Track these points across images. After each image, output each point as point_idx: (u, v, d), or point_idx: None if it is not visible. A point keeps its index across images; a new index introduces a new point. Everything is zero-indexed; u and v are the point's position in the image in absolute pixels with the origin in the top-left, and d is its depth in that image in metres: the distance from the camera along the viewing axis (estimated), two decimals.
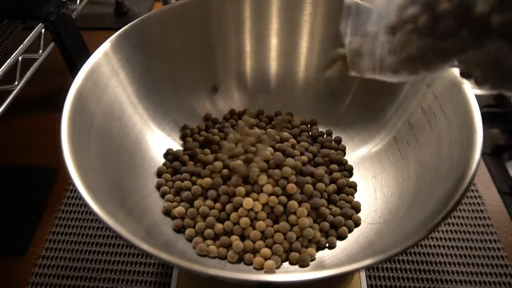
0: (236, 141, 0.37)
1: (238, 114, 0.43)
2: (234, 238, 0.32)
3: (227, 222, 0.32)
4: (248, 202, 0.32)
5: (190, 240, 0.32)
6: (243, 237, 0.32)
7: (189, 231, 0.32)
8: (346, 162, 0.38)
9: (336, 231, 0.33)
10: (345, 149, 0.40)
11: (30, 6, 0.43)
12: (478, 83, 0.20)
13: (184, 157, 0.38)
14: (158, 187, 0.36)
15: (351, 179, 0.37)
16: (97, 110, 0.32)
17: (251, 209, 0.32)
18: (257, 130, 0.38)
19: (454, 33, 0.18)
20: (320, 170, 0.35)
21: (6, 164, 0.47)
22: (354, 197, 0.36)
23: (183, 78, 0.40)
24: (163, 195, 0.35)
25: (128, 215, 0.28)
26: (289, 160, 0.34)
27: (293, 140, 0.38)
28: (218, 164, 0.35)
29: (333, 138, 0.41)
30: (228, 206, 0.33)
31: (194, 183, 0.35)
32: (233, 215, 0.32)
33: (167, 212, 0.34)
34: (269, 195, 0.33)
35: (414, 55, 0.20)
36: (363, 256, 0.22)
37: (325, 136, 0.41)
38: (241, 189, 0.33)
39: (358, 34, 0.23)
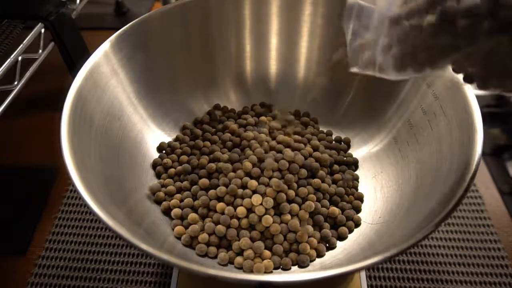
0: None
1: (238, 114, 0.43)
2: (234, 239, 0.32)
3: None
4: (241, 211, 0.32)
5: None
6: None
7: (191, 229, 0.32)
8: (347, 162, 0.38)
9: (336, 231, 0.33)
10: (346, 149, 0.39)
11: (30, 6, 0.43)
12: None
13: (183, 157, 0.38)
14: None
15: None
16: (97, 110, 0.31)
17: (253, 212, 0.32)
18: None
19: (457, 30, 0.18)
20: (321, 171, 0.35)
21: (6, 164, 0.47)
22: (354, 198, 0.36)
23: (183, 78, 0.40)
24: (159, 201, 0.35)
25: (128, 215, 0.28)
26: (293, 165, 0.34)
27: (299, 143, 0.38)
28: (211, 165, 0.35)
29: (333, 138, 0.41)
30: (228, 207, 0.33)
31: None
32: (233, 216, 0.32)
33: (166, 212, 0.34)
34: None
35: (418, 49, 0.20)
36: (363, 257, 0.22)
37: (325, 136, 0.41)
38: (239, 188, 0.33)
39: (359, 32, 0.23)
